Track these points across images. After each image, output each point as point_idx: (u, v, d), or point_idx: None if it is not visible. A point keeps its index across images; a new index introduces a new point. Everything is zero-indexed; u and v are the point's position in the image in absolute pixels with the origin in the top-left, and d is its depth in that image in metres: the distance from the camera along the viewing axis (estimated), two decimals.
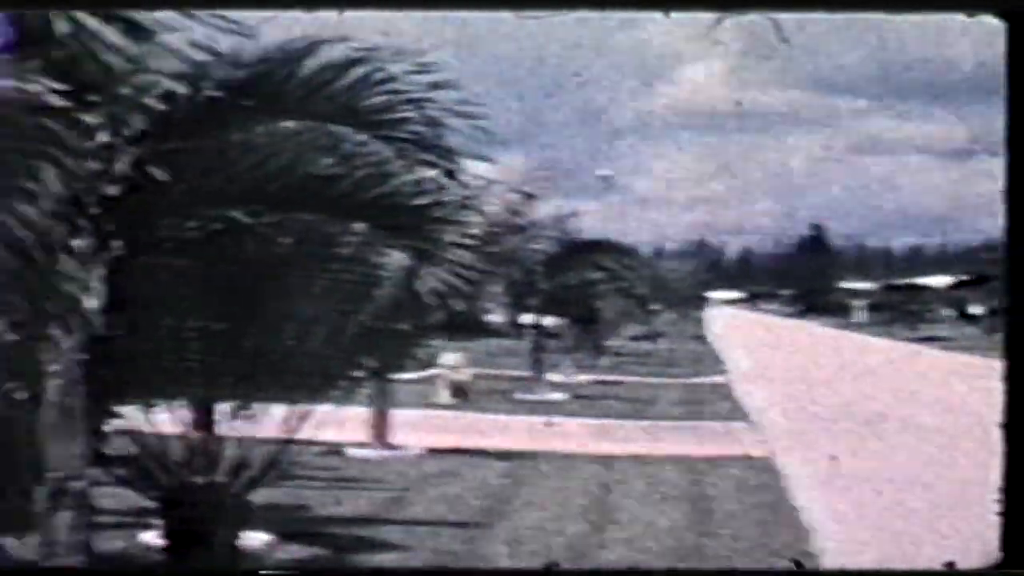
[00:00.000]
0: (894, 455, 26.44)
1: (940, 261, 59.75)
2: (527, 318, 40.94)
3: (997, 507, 10.31)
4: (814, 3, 10.48)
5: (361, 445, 25.37)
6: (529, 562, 16.36)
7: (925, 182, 54.53)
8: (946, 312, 60.65)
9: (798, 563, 13.20)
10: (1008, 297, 10.44)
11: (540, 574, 13.66)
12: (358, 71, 11.61)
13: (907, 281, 60.84)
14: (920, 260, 60.86)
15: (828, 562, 16.76)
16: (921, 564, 16.55)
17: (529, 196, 31.82)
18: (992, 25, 10.15)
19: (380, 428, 25.84)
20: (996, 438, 27.75)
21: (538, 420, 31.32)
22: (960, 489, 22.02)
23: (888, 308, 61.89)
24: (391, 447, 25.61)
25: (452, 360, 35.06)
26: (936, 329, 58.96)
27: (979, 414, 34.28)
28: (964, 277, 58.43)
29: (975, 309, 58.60)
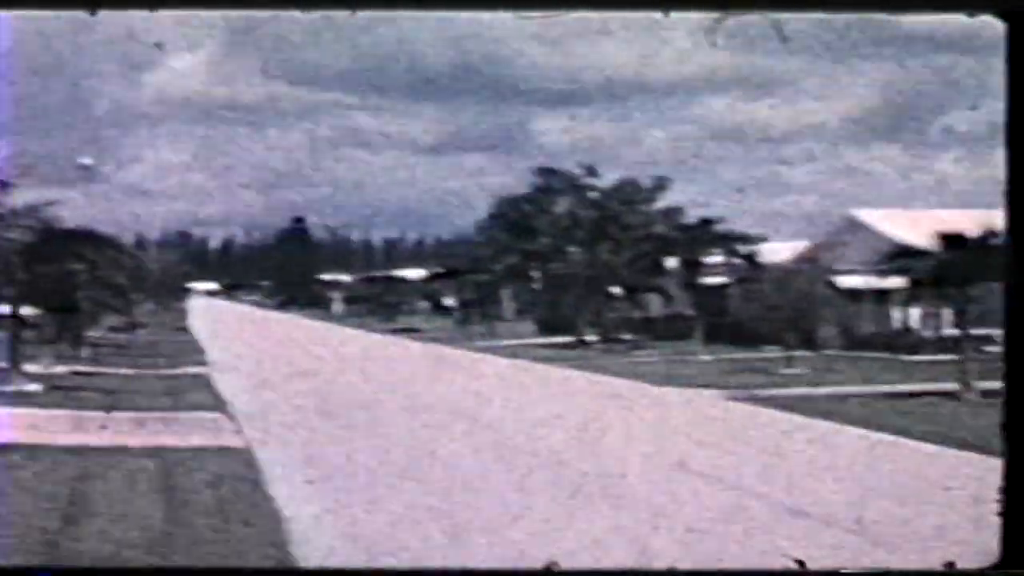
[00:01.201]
0: (370, 444, 27.16)
1: (416, 255, 61.45)
2: (3, 308, 40.00)
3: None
4: (814, 3, 10.57)
5: None
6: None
7: (403, 177, 55.93)
8: (421, 304, 62.42)
9: (800, 563, 13.51)
10: (1008, 295, 10.46)
11: (540, 574, 13.58)
12: None
13: (384, 273, 62.29)
14: (397, 253, 62.40)
15: (304, 551, 17.23)
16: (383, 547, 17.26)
17: (4, 185, 31.10)
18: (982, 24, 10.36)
19: None
20: (478, 426, 28.77)
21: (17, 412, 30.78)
22: (443, 478, 22.95)
23: (366, 300, 63.20)
24: None
25: None
26: (412, 320, 60.61)
27: (454, 402, 35.64)
28: (438, 270, 60.24)
29: (448, 301, 60.54)
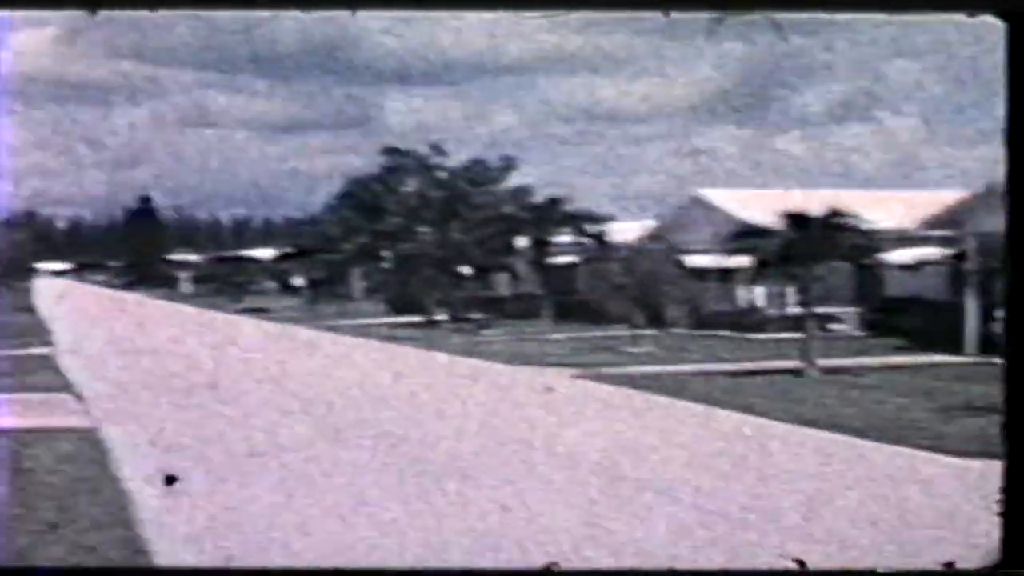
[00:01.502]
0: (219, 424, 27.12)
1: (265, 234, 61.22)
2: None
3: (999, 507, 10.29)
4: (814, 3, 10.49)
5: None
6: None
7: (253, 156, 55.67)
8: (270, 284, 62.22)
9: (800, 563, 13.48)
10: (1008, 296, 10.31)
11: (540, 574, 13.46)
12: None
13: (233, 253, 61.99)
14: (246, 232, 62.11)
15: (150, 529, 17.24)
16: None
17: None
18: (988, 25, 10.32)
19: None
20: (325, 406, 28.79)
21: None
22: (288, 458, 23.01)
23: (215, 279, 62.86)
24: None
25: None
26: (261, 300, 60.36)
27: (301, 381, 35.54)
28: (287, 250, 60.07)
29: (297, 281, 60.38)
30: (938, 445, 22.63)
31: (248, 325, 54.65)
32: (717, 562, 14.83)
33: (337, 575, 13.92)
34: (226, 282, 62.07)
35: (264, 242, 61.37)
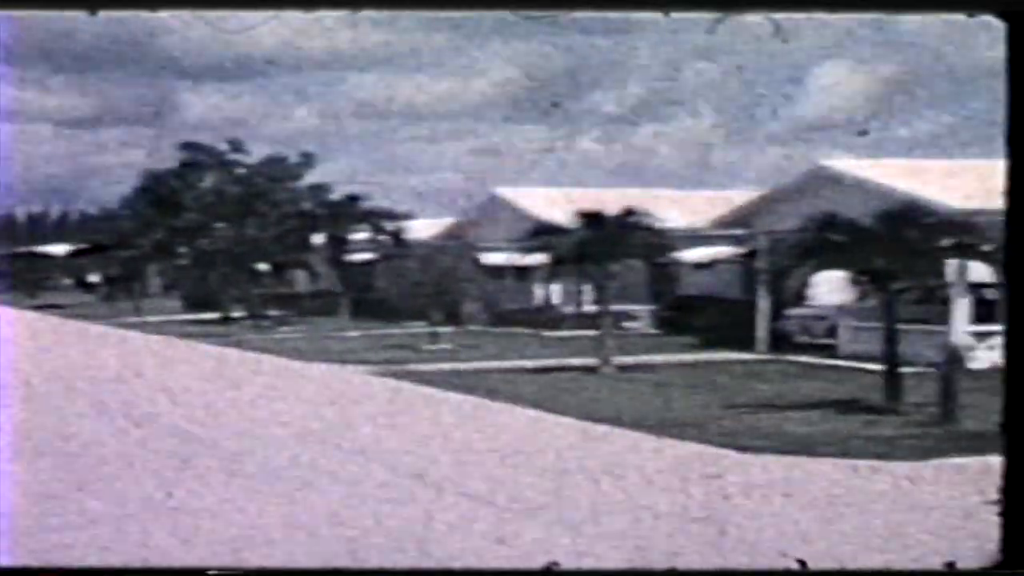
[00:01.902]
0: (7, 419, 26.77)
1: (60, 230, 60.42)
2: None
3: (999, 508, 10.04)
4: (814, 3, 10.34)
5: None
6: None
7: (47, 151, 54.86)
8: (65, 280, 61.44)
9: (801, 563, 13.21)
10: (1008, 295, 10.15)
11: (540, 574, 13.07)
12: None
13: (27, 249, 61.08)
14: (41, 228, 61.22)
15: None
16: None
17: None
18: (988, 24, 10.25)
19: None
20: (117, 401, 28.39)
21: None
22: (81, 454, 22.80)
23: (8, 276, 61.91)
24: None
25: None
26: (55, 297, 59.55)
27: (92, 376, 35.08)
28: (83, 246, 59.35)
29: (92, 278, 59.70)
30: (728, 441, 23.14)
31: (41, 322, 53.86)
32: (504, 556, 15.08)
33: (337, 575, 13.85)
34: (19, 278, 61.13)
35: (59, 238, 60.51)
